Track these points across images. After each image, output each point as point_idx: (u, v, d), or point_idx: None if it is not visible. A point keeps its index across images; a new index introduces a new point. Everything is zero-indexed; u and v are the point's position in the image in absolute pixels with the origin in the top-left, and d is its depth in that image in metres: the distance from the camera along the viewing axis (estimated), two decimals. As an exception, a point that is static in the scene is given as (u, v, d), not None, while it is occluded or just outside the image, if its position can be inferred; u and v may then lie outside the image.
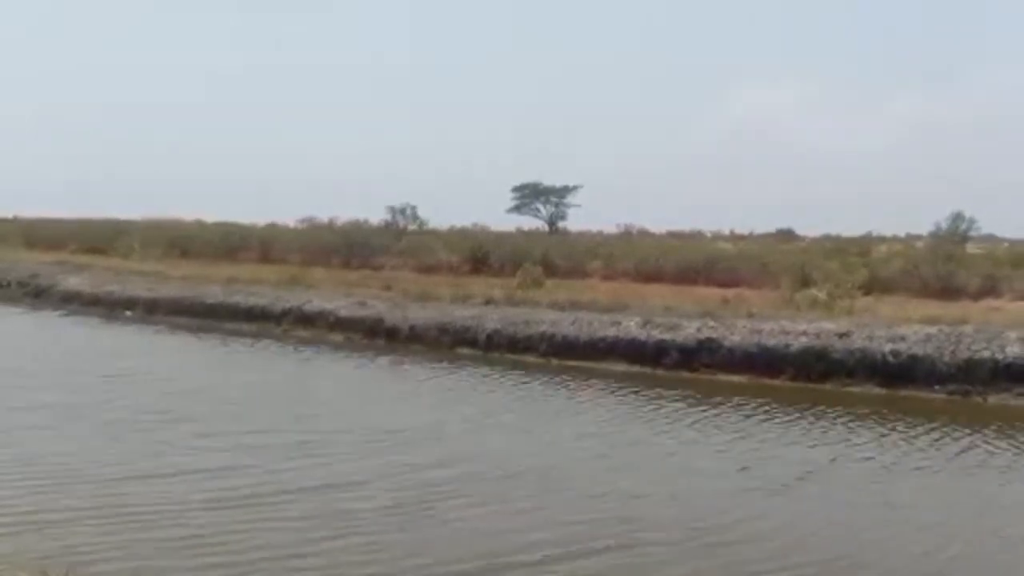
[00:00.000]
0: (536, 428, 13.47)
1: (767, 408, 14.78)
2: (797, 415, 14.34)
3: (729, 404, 15.11)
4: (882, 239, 50.49)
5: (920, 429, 13.53)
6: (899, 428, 13.63)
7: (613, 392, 16.13)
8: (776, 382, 16.87)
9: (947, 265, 28.66)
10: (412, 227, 45.84)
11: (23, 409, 13.32)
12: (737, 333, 17.96)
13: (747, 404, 15.09)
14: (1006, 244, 47.79)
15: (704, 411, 14.59)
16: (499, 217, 71.59)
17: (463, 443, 12.28)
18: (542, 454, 11.88)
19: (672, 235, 54.17)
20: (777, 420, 14.09)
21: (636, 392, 16.11)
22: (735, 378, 17.19)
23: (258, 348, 21.07)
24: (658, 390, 16.15)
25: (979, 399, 15.56)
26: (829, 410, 14.64)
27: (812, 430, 13.48)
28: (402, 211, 47.17)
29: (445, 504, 9.59)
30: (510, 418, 14.19)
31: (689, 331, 18.36)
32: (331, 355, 20.33)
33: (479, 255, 35.77)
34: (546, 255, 33.76)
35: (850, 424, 13.84)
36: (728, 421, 14.02)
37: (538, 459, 11.56)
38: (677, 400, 15.41)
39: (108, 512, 8.89)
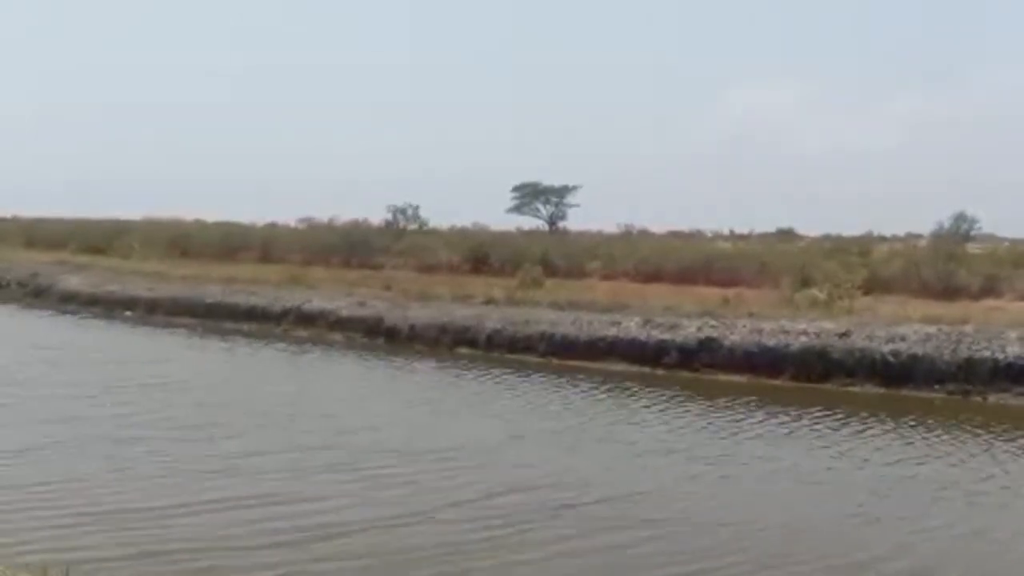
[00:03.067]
0: (596, 441, 12.49)
1: (822, 415, 14.29)
2: (874, 421, 13.88)
3: (794, 411, 14.45)
4: (882, 239, 50.42)
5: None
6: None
7: (670, 400, 15.41)
8: (776, 382, 16.87)
9: (948, 265, 28.61)
10: (412, 227, 45.75)
11: (42, 423, 12.42)
12: (737, 333, 17.95)
13: (815, 411, 14.44)
14: (1007, 243, 47.70)
15: (764, 421, 13.97)
16: (499, 217, 71.41)
17: (526, 461, 11.20)
18: (625, 475, 10.78)
19: (672, 235, 54.06)
20: (853, 428, 13.57)
21: (687, 398, 15.47)
22: (735, 378, 17.17)
23: (268, 350, 20.89)
24: (710, 396, 15.63)
25: (979, 399, 15.56)
26: (905, 417, 14.14)
27: (914, 441, 12.88)
28: (402, 211, 47.11)
29: (540, 548, 8.36)
30: (558, 429, 13.21)
31: (689, 331, 18.35)
32: (343, 357, 20.04)
33: (479, 255, 35.77)
34: (546, 255, 33.74)
35: (942, 435, 13.22)
36: (809, 431, 13.37)
37: (622, 481, 10.44)
38: (736, 406, 14.90)
39: (142, 555, 7.75)
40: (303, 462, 10.92)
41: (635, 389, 16.34)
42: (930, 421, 13.98)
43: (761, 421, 14.03)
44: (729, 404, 15.14)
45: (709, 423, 13.91)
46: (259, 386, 16.49)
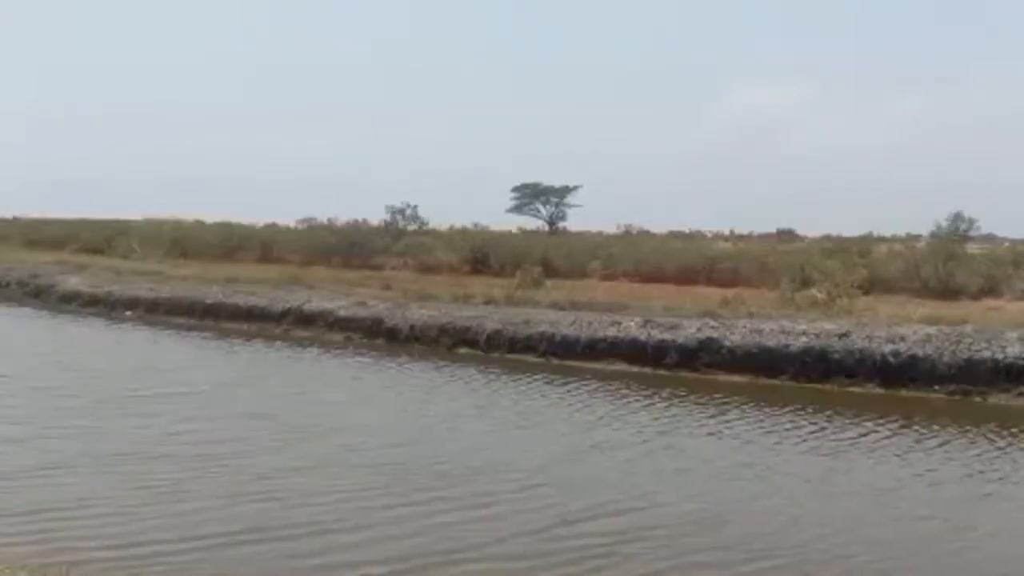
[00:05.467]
0: (663, 454, 11.68)
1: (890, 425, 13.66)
2: (958, 432, 13.23)
3: (876, 421, 13.81)
4: (882, 239, 50.43)
5: None
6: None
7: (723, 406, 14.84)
8: (776, 382, 16.86)
9: (947, 265, 28.63)
10: (412, 227, 45.75)
11: (57, 437, 11.63)
12: (737, 333, 17.95)
13: (891, 422, 13.77)
14: (1006, 244, 47.73)
15: (824, 431, 13.29)
16: (499, 217, 71.52)
17: (593, 478, 10.38)
18: (711, 496, 9.90)
19: (672, 235, 54.08)
20: (940, 439, 12.92)
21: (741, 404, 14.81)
22: (735, 378, 17.16)
23: (279, 353, 20.48)
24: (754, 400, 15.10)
25: (979, 399, 15.56)
26: (984, 425, 13.52)
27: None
28: (402, 211, 47.08)
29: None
30: (618, 443, 12.30)
31: (689, 331, 18.34)
32: (375, 364, 19.15)
33: (479, 255, 35.81)
34: (546, 255, 33.80)
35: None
36: (881, 445, 12.65)
37: (709, 502, 9.59)
38: (791, 412, 14.23)
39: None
40: (343, 484, 9.94)
41: (681, 395, 15.65)
42: (1013, 428, 13.46)
43: (863, 432, 13.23)
44: (795, 413, 14.29)
45: (781, 439, 12.79)
46: (284, 395, 15.49)
